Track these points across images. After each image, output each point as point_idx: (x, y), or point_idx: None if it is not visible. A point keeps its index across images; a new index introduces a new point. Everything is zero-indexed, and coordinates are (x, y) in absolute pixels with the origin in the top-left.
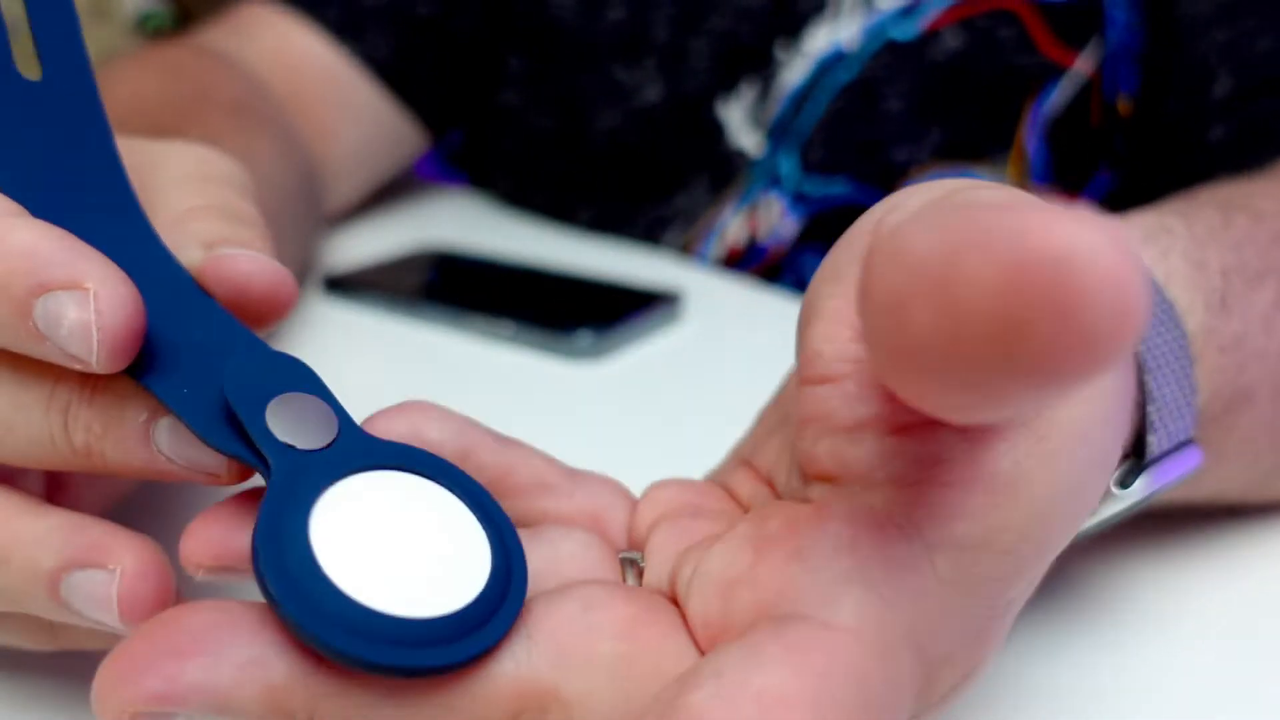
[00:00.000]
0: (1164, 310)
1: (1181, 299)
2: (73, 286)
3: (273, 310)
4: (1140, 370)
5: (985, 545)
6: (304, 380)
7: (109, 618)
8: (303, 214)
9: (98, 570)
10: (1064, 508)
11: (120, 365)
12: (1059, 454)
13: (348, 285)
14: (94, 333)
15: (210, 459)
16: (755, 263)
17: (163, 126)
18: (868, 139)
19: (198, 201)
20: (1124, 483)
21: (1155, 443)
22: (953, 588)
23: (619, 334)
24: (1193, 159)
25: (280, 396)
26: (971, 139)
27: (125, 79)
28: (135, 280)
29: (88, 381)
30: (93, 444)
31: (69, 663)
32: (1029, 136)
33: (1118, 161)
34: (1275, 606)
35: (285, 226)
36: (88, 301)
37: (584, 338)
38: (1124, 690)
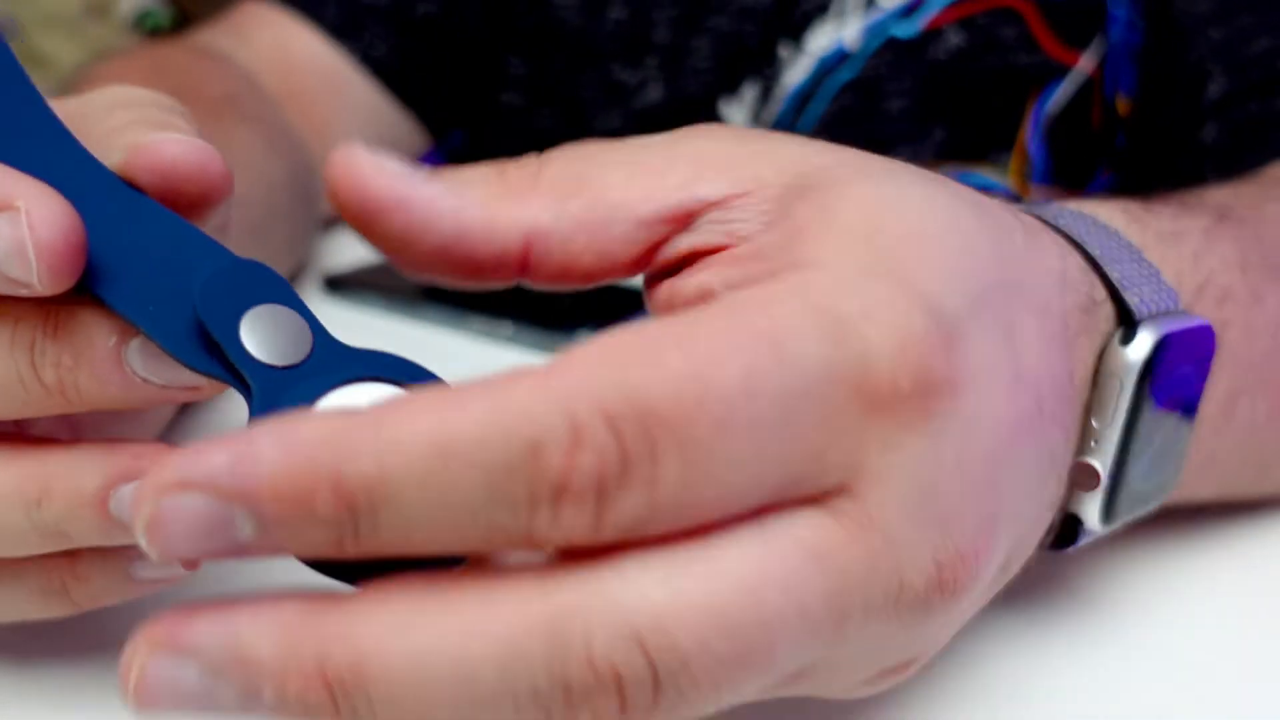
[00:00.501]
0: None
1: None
2: (2, 207)
3: (207, 192)
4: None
5: None
6: (274, 289)
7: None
8: (291, 207)
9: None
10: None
11: (65, 283)
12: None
13: (347, 285)
14: (29, 249)
15: (188, 375)
16: None
17: None
18: (870, 139)
19: (124, 118)
20: (1124, 339)
21: (1137, 302)
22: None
23: None
24: (1186, 159)
25: (253, 310)
26: (974, 138)
27: (110, 74)
28: (75, 200)
29: (49, 315)
30: (64, 378)
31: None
32: (1030, 136)
33: (1118, 161)
34: (1276, 606)
35: (267, 214)
36: (19, 219)
37: (584, 338)
38: (1122, 688)
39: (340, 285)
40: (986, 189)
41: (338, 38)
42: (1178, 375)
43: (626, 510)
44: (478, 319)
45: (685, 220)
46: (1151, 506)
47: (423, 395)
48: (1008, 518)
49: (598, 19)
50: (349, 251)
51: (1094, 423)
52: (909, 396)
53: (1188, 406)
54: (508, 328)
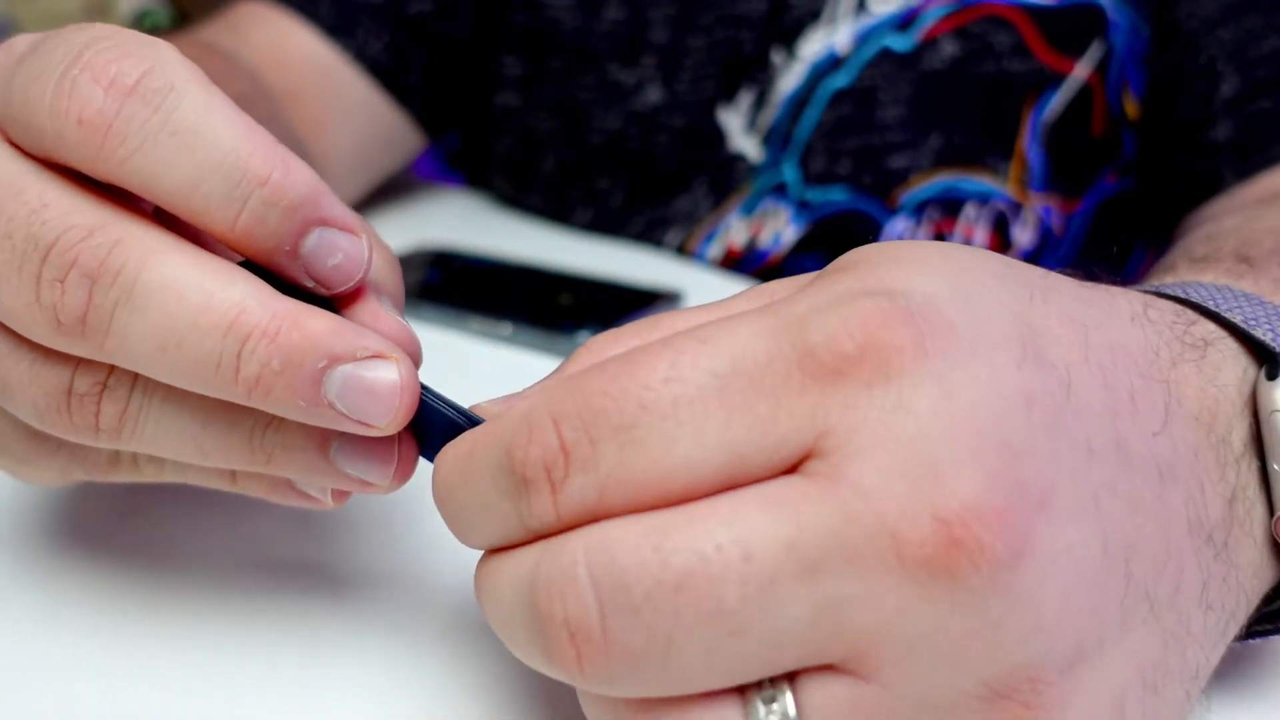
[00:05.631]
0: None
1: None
2: (384, 357)
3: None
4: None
5: None
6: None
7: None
8: None
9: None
10: None
11: (399, 428)
12: None
13: None
14: (397, 398)
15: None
16: (754, 266)
17: None
18: (867, 147)
19: None
20: (1271, 375)
21: (1271, 337)
22: None
23: None
24: (1199, 159)
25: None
26: (971, 146)
27: None
28: None
29: (272, 331)
30: (265, 377)
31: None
32: (1029, 143)
33: (1125, 165)
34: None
35: None
36: (396, 371)
37: (584, 338)
38: None
39: None
40: (986, 196)
41: (332, 36)
42: None
43: (575, 491)
44: (477, 319)
45: None
46: None
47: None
48: (1080, 496)
49: (594, 19)
50: None
51: (1275, 466)
52: (859, 360)
53: None
54: (507, 328)
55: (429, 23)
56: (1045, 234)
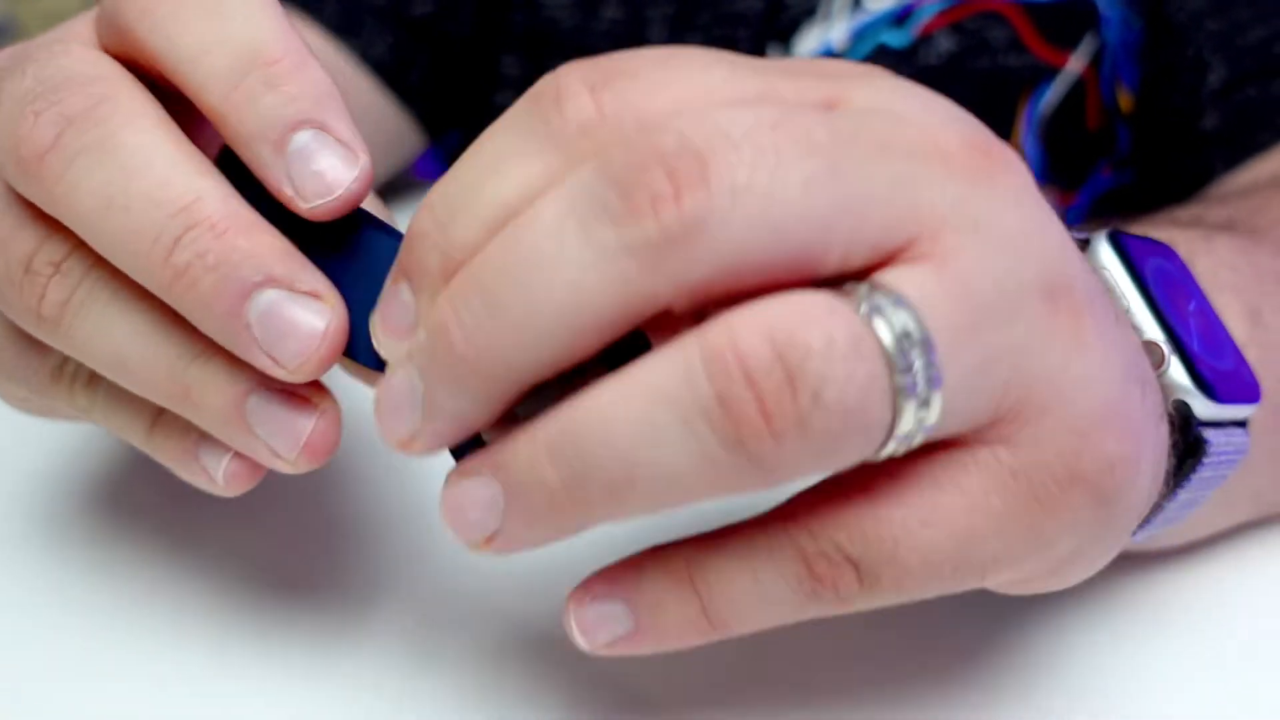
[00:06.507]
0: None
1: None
2: (323, 299)
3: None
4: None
5: None
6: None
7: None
8: None
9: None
10: None
11: (310, 379)
12: None
13: None
14: (316, 350)
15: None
16: None
17: None
18: None
19: None
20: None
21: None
22: None
23: None
24: (1189, 151)
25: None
26: None
27: None
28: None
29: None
30: (194, 268)
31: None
32: (1025, 137)
33: (1120, 159)
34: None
35: None
36: (326, 321)
37: None
38: (1130, 688)
39: None
40: None
41: (337, 36)
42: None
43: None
44: None
45: None
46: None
47: None
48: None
49: (592, 18)
50: None
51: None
52: (966, 156)
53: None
54: None
55: (431, 24)
56: None
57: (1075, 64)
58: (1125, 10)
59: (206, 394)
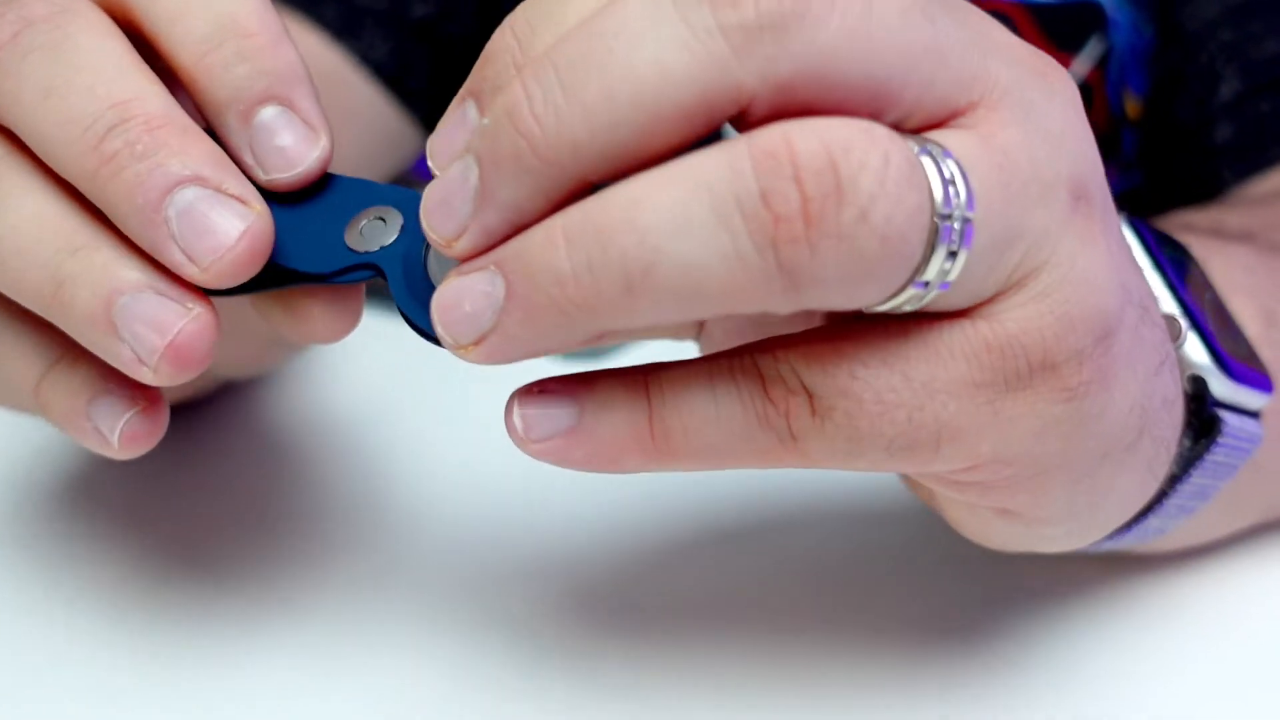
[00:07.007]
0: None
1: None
2: (244, 202)
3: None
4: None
5: None
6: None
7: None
8: None
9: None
10: None
11: (229, 285)
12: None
13: None
14: (236, 252)
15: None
16: None
17: None
18: None
19: None
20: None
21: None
22: None
23: None
24: (1199, 160)
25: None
26: None
27: None
28: None
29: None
30: (121, 156)
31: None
32: None
33: (1126, 164)
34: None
35: None
36: (247, 224)
37: None
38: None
39: None
40: None
41: (338, 38)
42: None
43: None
44: None
45: None
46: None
47: None
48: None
49: None
50: None
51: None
52: (1032, 57)
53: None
54: None
55: (432, 26)
56: None
57: (1079, 67)
58: (1135, 15)
59: (79, 290)
